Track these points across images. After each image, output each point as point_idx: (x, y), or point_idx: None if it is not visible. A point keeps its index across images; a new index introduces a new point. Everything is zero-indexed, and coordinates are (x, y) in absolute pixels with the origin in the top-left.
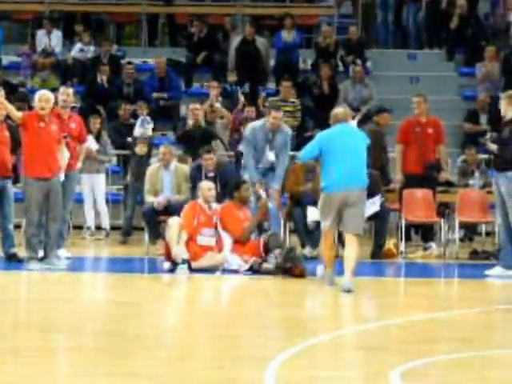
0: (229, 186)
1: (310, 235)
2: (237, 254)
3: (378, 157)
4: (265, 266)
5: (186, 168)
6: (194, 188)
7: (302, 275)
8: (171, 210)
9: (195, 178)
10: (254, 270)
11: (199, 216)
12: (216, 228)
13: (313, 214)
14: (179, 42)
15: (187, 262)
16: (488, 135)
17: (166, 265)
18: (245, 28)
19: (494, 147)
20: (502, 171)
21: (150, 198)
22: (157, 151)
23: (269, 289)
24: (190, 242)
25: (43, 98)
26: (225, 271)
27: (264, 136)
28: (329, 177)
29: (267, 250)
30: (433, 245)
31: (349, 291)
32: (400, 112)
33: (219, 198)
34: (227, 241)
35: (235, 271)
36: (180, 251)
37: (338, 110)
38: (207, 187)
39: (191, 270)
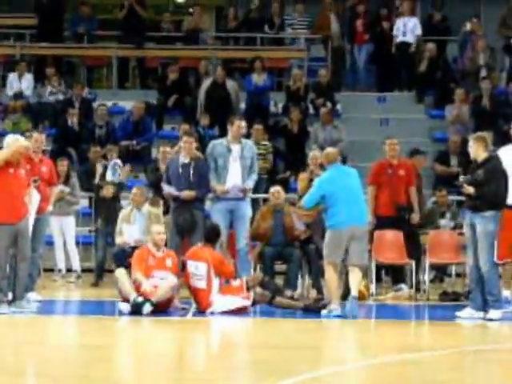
0: (206, 232)
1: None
2: (228, 295)
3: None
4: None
5: (157, 211)
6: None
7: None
8: None
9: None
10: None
11: (148, 260)
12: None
13: None
14: (150, 85)
15: (148, 300)
16: (462, 178)
17: (123, 305)
18: (216, 71)
19: (471, 190)
20: (478, 212)
21: (120, 240)
22: (128, 194)
23: (243, 329)
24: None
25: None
26: (213, 314)
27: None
28: (336, 215)
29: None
30: (403, 286)
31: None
32: (370, 154)
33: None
34: (215, 283)
35: (224, 312)
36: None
37: (330, 151)
38: (157, 231)
39: (156, 306)
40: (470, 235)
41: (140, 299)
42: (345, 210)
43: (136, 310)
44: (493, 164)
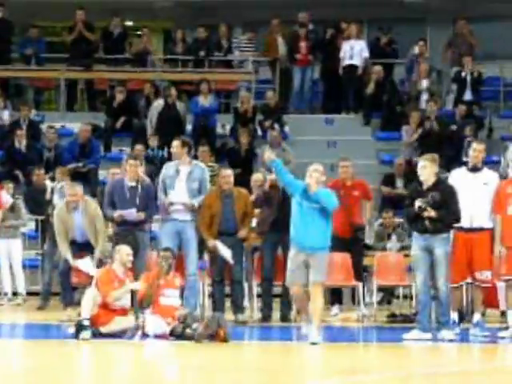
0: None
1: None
2: (159, 316)
3: None
4: (188, 331)
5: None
6: (112, 205)
7: (225, 340)
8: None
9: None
10: (176, 335)
11: (114, 281)
12: None
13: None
14: (98, 107)
15: (90, 327)
16: (420, 201)
17: (71, 329)
18: (166, 92)
19: (433, 213)
20: (437, 234)
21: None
22: None
23: (188, 353)
24: (104, 307)
25: None
26: (145, 335)
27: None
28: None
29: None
30: (335, 309)
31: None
32: None
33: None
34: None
35: (156, 336)
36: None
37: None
38: (126, 252)
39: (100, 334)
40: (423, 257)
41: (85, 323)
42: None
43: (77, 330)
44: (446, 185)
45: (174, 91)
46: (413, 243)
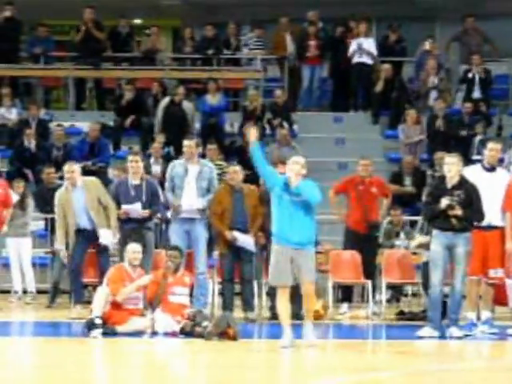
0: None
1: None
2: (169, 314)
3: None
4: (197, 329)
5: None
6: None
7: (234, 338)
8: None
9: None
10: (186, 333)
11: (125, 280)
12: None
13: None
14: (107, 106)
15: (103, 325)
16: (446, 199)
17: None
18: (173, 91)
19: (460, 211)
20: (461, 232)
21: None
22: None
23: (198, 351)
24: (116, 306)
25: None
26: (154, 334)
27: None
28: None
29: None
30: (344, 307)
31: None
32: (326, 174)
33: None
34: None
35: (166, 334)
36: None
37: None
38: (132, 250)
39: (114, 334)
40: (443, 255)
41: (97, 321)
42: None
43: (88, 328)
44: (470, 184)
45: (181, 90)
46: (433, 240)
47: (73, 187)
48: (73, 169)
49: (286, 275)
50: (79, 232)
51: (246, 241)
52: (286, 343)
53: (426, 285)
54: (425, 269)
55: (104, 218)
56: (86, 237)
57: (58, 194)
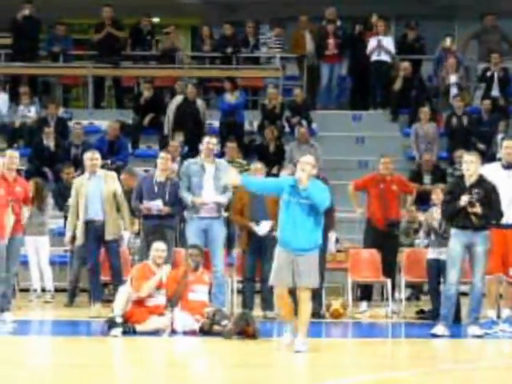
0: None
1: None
2: (188, 312)
3: None
4: (216, 328)
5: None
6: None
7: (253, 337)
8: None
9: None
10: (205, 332)
11: (149, 278)
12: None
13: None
14: (125, 104)
15: (124, 324)
16: (467, 197)
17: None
18: (185, 89)
19: (479, 209)
20: (480, 230)
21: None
22: None
23: (217, 350)
24: (138, 304)
25: None
26: (174, 332)
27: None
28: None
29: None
30: (363, 305)
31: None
32: (345, 172)
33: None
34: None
35: (185, 333)
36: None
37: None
38: (155, 248)
39: (134, 332)
40: (461, 254)
41: (117, 320)
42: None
43: (108, 327)
44: (488, 182)
45: (192, 88)
46: (451, 239)
47: (92, 175)
48: (96, 156)
49: (285, 277)
50: (88, 225)
51: (265, 228)
52: (288, 341)
53: (431, 283)
54: (429, 267)
55: (115, 212)
56: (94, 232)
57: (75, 181)
